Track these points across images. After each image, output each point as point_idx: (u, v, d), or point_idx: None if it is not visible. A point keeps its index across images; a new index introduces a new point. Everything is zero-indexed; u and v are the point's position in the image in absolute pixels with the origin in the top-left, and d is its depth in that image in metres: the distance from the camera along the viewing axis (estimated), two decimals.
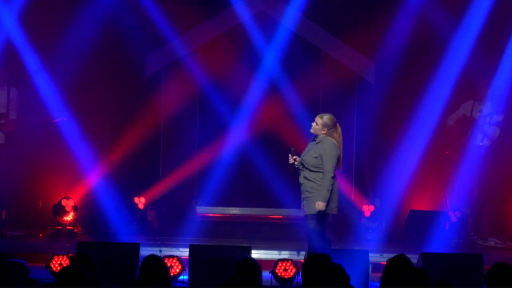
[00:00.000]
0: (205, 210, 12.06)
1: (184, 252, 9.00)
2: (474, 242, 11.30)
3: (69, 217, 11.37)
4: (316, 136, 8.74)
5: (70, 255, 8.54)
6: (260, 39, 12.04)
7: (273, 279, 8.62)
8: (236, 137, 12.07)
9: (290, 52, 12.07)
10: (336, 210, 8.72)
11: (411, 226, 11.27)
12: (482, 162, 11.35)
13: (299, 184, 8.85)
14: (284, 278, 8.65)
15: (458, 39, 11.49)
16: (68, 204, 11.41)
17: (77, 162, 11.58)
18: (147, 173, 12.22)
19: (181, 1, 12.00)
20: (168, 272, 6.40)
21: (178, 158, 12.16)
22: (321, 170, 8.55)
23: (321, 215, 8.57)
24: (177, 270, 8.70)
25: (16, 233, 11.10)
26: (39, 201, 11.81)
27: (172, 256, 8.79)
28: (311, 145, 8.76)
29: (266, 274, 7.98)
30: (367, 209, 11.53)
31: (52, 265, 8.60)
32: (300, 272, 6.71)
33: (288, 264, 8.67)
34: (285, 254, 9.53)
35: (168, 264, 8.55)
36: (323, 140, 8.65)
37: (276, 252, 9.82)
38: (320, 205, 8.45)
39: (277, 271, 8.65)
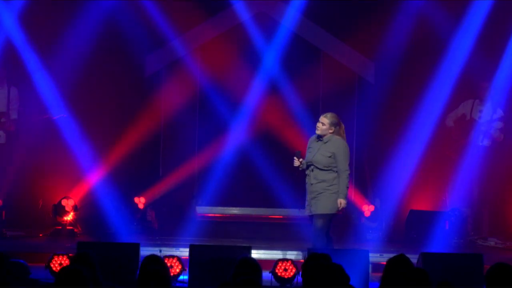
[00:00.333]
0: (205, 210, 12.06)
1: (184, 252, 9.00)
2: (474, 242, 11.30)
3: (69, 217, 11.37)
4: (319, 136, 8.77)
5: (70, 255, 8.53)
6: (260, 39, 12.04)
7: (273, 279, 8.62)
8: (236, 137, 12.07)
9: (290, 52, 12.07)
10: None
11: (411, 226, 11.27)
12: (482, 162, 11.35)
13: (303, 185, 8.88)
14: (284, 278, 8.65)
15: (458, 39, 11.49)
16: (68, 204, 11.41)
17: (77, 162, 11.58)
18: (147, 173, 12.23)
19: (181, 1, 12.00)
20: (168, 272, 6.40)
21: (178, 158, 12.16)
22: (332, 169, 8.68)
23: (329, 215, 8.66)
24: (177, 270, 8.70)
25: (16, 233, 11.10)
26: (39, 201, 11.81)
27: (172, 256, 8.79)
28: (317, 145, 8.79)
29: (266, 274, 7.97)
30: (367, 209, 11.54)
31: (52, 265, 8.60)
32: (300, 272, 6.71)
33: (288, 264, 8.66)
34: (285, 254, 9.52)
35: (168, 264, 8.55)
36: (332, 139, 8.75)
37: (276, 252, 9.81)
38: (342, 202, 8.67)
39: (277, 271, 8.65)
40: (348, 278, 5.70)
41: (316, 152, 8.75)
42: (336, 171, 8.74)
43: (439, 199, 11.66)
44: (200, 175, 12.24)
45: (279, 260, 8.71)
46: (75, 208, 11.43)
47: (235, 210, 12.18)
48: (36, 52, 11.54)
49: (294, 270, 8.65)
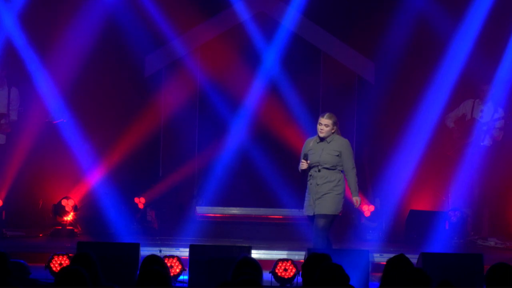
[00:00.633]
0: (205, 210, 12.06)
1: (184, 252, 9.00)
2: (474, 242, 11.30)
3: (69, 217, 11.37)
4: (320, 137, 8.79)
5: (70, 255, 8.53)
6: (260, 39, 12.04)
7: (273, 279, 8.62)
8: (236, 137, 12.07)
9: (290, 52, 12.08)
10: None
11: (411, 226, 11.27)
12: (483, 162, 11.35)
13: (303, 185, 8.89)
14: (284, 278, 8.64)
15: (458, 39, 11.49)
16: (68, 204, 11.41)
17: (77, 162, 11.58)
18: (147, 173, 12.23)
19: (181, 1, 12.00)
20: (168, 272, 6.40)
21: (178, 158, 12.17)
22: (338, 169, 8.78)
23: (332, 216, 8.72)
24: (177, 270, 8.69)
25: (16, 233, 11.10)
26: (39, 201, 11.82)
27: (172, 256, 8.78)
28: (319, 146, 8.81)
29: (266, 274, 7.96)
30: (367, 209, 11.54)
31: (52, 265, 8.60)
32: (300, 272, 6.71)
33: (288, 264, 8.66)
34: (285, 254, 9.52)
35: (168, 264, 8.54)
36: (335, 139, 8.83)
37: (276, 252, 9.81)
38: (358, 200, 8.89)
39: (277, 271, 8.64)
40: (348, 278, 5.70)
41: (321, 152, 8.77)
42: (341, 171, 8.79)
43: (439, 199, 11.66)
44: (200, 175, 12.24)
45: (279, 260, 8.70)
46: (75, 208, 11.44)
47: (235, 210, 12.18)
48: (36, 52, 11.54)
49: (294, 270, 8.65)
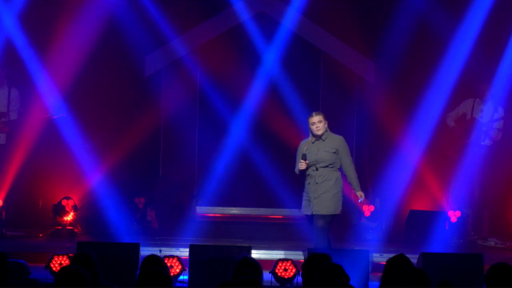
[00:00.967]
0: (205, 210, 12.06)
1: (184, 252, 9.00)
2: (474, 242, 11.30)
3: (69, 217, 11.37)
4: (315, 136, 8.80)
5: (70, 255, 8.53)
6: (260, 39, 12.04)
7: (273, 279, 8.62)
8: (236, 137, 12.07)
9: (290, 52, 12.08)
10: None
11: (411, 226, 11.27)
12: (483, 162, 11.36)
13: (303, 185, 8.89)
14: (284, 278, 8.64)
15: (458, 39, 11.49)
16: (68, 204, 11.41)
17: (77, 162, 11.58)
18: (147, 173, 12.23)
19: (181, 1, 12.00)
20: (168, 272, 6.40)
21: (178, 158, 12.17)
22: (335, 167, 8.81)
23: (331, 216, 8.73)
24: (177, 270, 8.70)
25: (16, 233, 11.10)
26: (39, 201, 11.82)
27: (172, 256, 8.78)
28: (315, 145, 8.82)
29: (266, 274, 7.96)
30: (367, 209, 11.54)
31: (52, 265, 8.60)
32: (300, 272, 6.71)
33: (288, 264, 8.66)
34: (285, 254, 9.52)
35: (168, 264, 8.54)
36: (330, 136, 8.89)
37: (276, 252, 9.81)
38: (363, 194, 8.92)
39: (277, 271, 8.64)
40: (348, 278, 5.70)
41: (318, 151, 8.78)
42: (339, 169, 8.80)
43: (439, 199, 11.65)
44: (200, 175, 12.23)
45: (279, 260, 8.70)
46: (75, 208, 11.43)
47: (235, 210, 12.18)
48: (36, 52, 11.54)
49: (294, 270, 8.65)
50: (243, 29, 12.05)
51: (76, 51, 11.59)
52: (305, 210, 8.89)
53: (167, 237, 10.94)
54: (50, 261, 8.62)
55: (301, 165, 8.82)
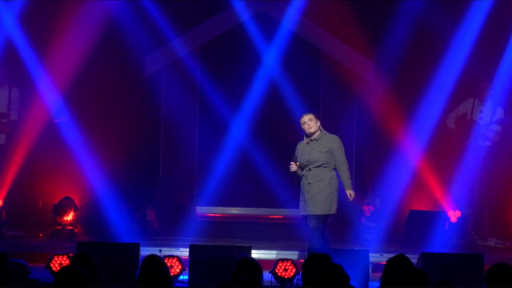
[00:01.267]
0: (205, 210, 12.06)
1: (184, 252, 9.00)
2: (474, 242, 11.30)
3: (69, 217, 11.37)
4: (310, 137, 8.79)
5: (70, 255, 8.53)
6: (260, 39, 12.04)
7: (273, 279, 8.62)
8: (236, 137, 12.07)
9: (290, 52, 12.08)
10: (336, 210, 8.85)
11: (411, 226, 11.27)
12: (483, 162, 11.35)
13: (299, 185, 8.90)
14: (284, 278, 8.64)
15: (458, 39, 11.49)
16: (68, 204, 11.40)
17: (77, 162, 11.58)
18: (147, 173, 12.22)
19: (181, 1, 12.00)
20: (169, 272, 6.40)
21: (178, 158, 12.16)
22: (330, 167, 8.77)
23: (323, 216, 8.69)
24: (177, 270, 8.69)
25: (16, 233, 11.10)
26: (39, 201, 11.81)
27: (172, 256, 8.78)
28: (309, 146, 8.82)
29: (266, 274, 7.97)
30: (367, 209, 11.53)
31: (52, 265, 8.60)
32: (300, 272, 6.71)
33: (288, 264, 8.66)
34: (285, 254, 9.52)
35: (168, 264, 8.54)
36: (324, 136, 8.86)
37: (276, 252, 9.81)
38: (352, 194, 8.87)
39: (277, 271, 8.64)
40: (348, 278, 5.70)
41: (311, 151, 8.77)
42: (334, 169, 8.79)
43: (439, 199, 11.65)
44: (200, 175, 12.23)
45: (279, 260, 8.70)
46: (75, 208, 11.43)
47: (235, 210, 12.18)
48: (36, 52, 11.54)
49: (294, 270, 8.65)
50: (243, 29, 12.05)
51: (76, 51, 11.59)
52: (302, 211, 8.91)
53: (167, 237, 10.93)
54: (50, 261, 8.62)
55: (291, 167, 8.84)
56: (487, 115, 11.48)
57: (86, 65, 11.66)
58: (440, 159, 11.73)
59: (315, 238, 8.66)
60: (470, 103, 11.59)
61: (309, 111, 9.16)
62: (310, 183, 8.76)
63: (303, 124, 8.88)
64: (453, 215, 11.23)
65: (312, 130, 8.83)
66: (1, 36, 11.46)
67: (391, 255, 6.41)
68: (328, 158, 8.77)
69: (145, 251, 8.50)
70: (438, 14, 11.50)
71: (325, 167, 8.77)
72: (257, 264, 6.38)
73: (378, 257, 9.49)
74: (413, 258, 7.77)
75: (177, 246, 9.83)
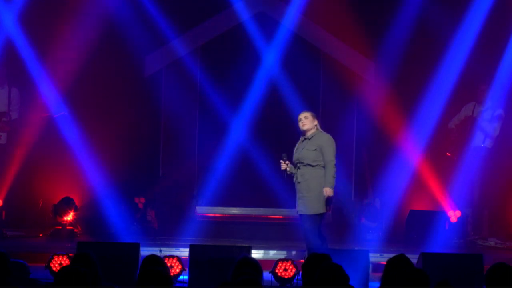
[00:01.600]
0: (205, 210, 12.06)
1: (184, 252, 9.00)
2: (474, 242, 11.30)
3: (69, 217, 11.37)
4: (305, 134, 8.78)
5: (70, 255, 8.53)
6: (260, 39, 12.04)
7: (273, 279, 8.62)
8: (236, 137, 12.07)
9: (290, 52, 12.08)
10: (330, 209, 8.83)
11: (411, 226, 11.27)
12: (483, 163, 11.35)
13: (292, 183, 8.90)
14: (284, 278, 8.64)
15: (458, 39, 11.50)
16: (68, 204, 11.40)
17: (77, 162, 11.58)
18: (147, 173, 12.23)
19: (181, 1, 12.00)
20: (169, 272, 6.40)
21: (178, 158, 12.17)
22: (320, 165, 8.65)
23: (316, 215, 8.62)
24: (177, 270, 8.70)
25: (16, 233, 11.11)
26: (39, 201, 11.82)
27: (172, 256, 8.79)
28: (302, 144, 8.80)
29: (266, 274, 7.97)
30: (453, 215, 11.35)
31: (52, 265, 8.60)
32: (300, 272, 6.71)
33: (288, 264, 8.66)
34: (285, 254, 9.52)
35: (168, 264, 8.54)
36: (317, 134, 8.78)
37: (276, 252, 9.81)
38: (328, 191, 8.58)
39: (277, 271, 8.64)
40: (348, 278, 5.70)
41: (302, 150, 8.76)
42: (323, 167, 8.73)
43: (439, 199, 11.65)
44: (200, 175, 12.23)
45: (279, 260, 8.70)
46: (75, 208, 11.44)
47: (235, 210, 12.17)
48: (36, 52, 11.54)
49: (294, 270, 8.65)
50: (243, 29, 12.05)
51: (76, 51, 11.59)
52: (298, 209, 8.90)
53: (167, 237, 10.94)
54: (50, 261, 8.62)
55: (282, 165, 8.82)
56: (487, 115, 11.48)
57: (86, 65, 11.67)
58: (440, 159, 11.74)
59: (312, 238, 8.60)
60: (471, 107, 11.60)
61: (309, 110, 9.11)
62: (299, 182, 8.73)
63: (299, 121, 8.86)
64: (453, 215, 11.24)
65: (305, 128, 8.79)
66: (1, 36, 11.46)
67: (391, 255, 6.40)
68: (316, 156, 8.66)
69: (145, 251, 8.51)
70: (438, 14, 11.50)
71: (313, 166, 8.67)
72: (257, 264, 6.38)
73: (378, 257, 9.49)
74: (413, 258, 7.77)
75: (177, 246, 9.83)
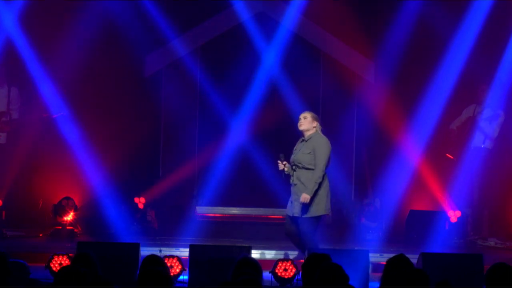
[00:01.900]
0: (205, 210, 12.06)
1: (184, 252, 8.99)
2: (474, 242, 11.30)
3: (69, 217, 11.37)
4: (303, 136, 8.77)
5: (70, 255, 8.53)
6: (260, 39, 12.04)
7: (273, 279, 8.61)
8: (236, 137, 12.07)
9: (290, 52, 12.08)
10: (330, 211, 8.81)
11: (411, 226, 11.27)
12: (483, 163, 11.35)
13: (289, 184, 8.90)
14: (284, 278, 8.63)
15: (458, 39, 11.50)
16: (68, 204, 11.41)
17: (77, 162, 11.58)
18: (147, 173, 12.23)
19: (181, 1, 12.00)
20: (169, 272, 6.40)
21: (178, 158, 12.16)
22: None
23: (314, 218, 8.65)
24: (177, 270, 8.69)
25: (16, 233, 11.11)
26: (39, 201, 11.82)
27: (172, 256, 8.77)
28: (300, 145, 8.79)
29: (266, 274, 7.96)
30: (453, 215, 11.34)
31: (52, 265, 8.59)
32: (300, 272, 6.71)
33: (288, 264, 8.65)
34: (285, 254, 9.51)
35: (168, 264, 8.53)
36: (315, 137, 8.74)
37: (276, 252, 9.81)
38: (304, 197, 8.54)
39: (277, 271, 8.63)
40: (347, 278, 5.70)
41: (298, 152, 8.75)
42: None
43: (439, 199, 11.65)
44: (200, 175, 12.24)
45: (279, 260, 8.70)
46: (75, 208, 11.44)
47: (235, 210, 12.17)
48: (36, 52, 11.54)
49: (294, 270, 8.64)
50: (243, 29, 12.05)
51: (76, 51, 11.59)
52: (287, 210, 8.87)
53: (167, 237, 10.94)
54: (50, 261, 8.61)
55: (279, 166, 8.81)
56: (487, 116, 11.48)
57: (86, 65, 11.66)
58: (440, 159, 11.73)
59: (308, 241, 8.62)
60: (472, 110, 11.60)
61: (310, 111, 9.09)
62: (295, 184, 8.73)
63: (299, 120, 8.86)
64: (453, 215, 11.24)
65: (301, 128, 8.78)
66: (1, 35, 11.46)
67: (391, 255, 6.40)
68: (311, 159, 8.64)
69: (145, 251, 8.50)
70: (438, 14, 11.50)
71: (308, 169, 8.66)
72: (257, 264, 6.38)
73: (378, 257, 9.49)
74: (413, 258, 7.77)
75: (177, 246, 9.83)
